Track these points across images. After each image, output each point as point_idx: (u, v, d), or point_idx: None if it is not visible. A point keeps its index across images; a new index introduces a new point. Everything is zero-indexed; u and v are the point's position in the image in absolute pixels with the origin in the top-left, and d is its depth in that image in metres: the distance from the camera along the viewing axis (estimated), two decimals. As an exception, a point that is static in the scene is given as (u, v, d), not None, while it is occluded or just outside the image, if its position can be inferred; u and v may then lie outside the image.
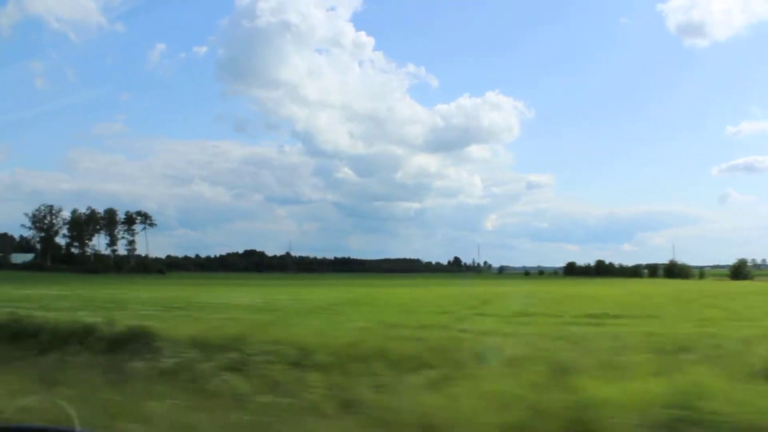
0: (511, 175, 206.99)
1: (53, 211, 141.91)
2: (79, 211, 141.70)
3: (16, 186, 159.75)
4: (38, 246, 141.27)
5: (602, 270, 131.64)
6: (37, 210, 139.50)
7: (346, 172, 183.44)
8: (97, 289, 39.73)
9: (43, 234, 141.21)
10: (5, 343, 10.41)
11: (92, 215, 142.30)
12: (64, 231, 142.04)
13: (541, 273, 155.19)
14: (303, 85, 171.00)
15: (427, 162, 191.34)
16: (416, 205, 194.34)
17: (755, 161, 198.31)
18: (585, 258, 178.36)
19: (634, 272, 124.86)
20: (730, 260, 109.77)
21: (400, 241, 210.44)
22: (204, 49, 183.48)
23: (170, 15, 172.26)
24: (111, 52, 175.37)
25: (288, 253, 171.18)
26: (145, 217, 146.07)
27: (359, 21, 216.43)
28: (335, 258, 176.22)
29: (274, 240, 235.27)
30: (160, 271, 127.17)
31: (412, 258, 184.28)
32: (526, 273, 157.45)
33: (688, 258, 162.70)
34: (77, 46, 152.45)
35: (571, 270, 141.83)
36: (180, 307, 23.23)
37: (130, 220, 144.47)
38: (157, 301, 27.66)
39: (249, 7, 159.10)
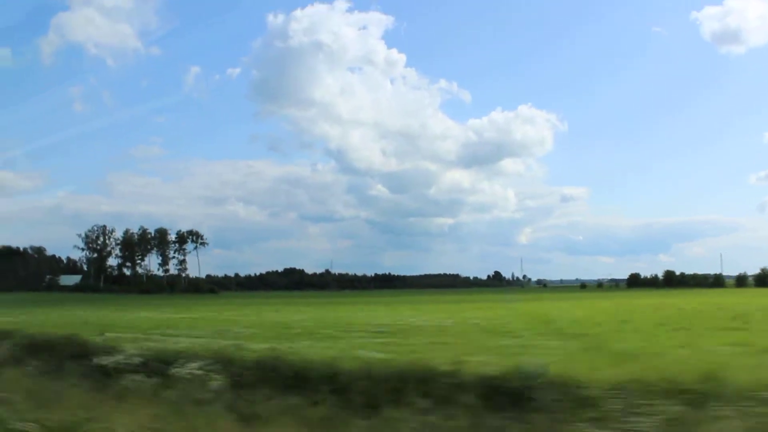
0: (544, 189, 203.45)
1: (106, 232, 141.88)
2: (130, 231, 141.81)
3: (57, 209, 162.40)
4: (86, 267, 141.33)
5: (672, 281, 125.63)
6: (90, 230, 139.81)
7: (379, 189, 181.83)
8: (219, 311, 36.44)
9: (95, 255, 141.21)
10: (275, 389, 8.02)
11: (143, 235, 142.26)
12: (116, 251, 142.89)
13: (599, 286, 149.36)
14: (336, 104, 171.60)
15: (461, 177, 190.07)
16: (450, 221, 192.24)
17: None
18: (620, 271, 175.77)
19: (715, 282, 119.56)
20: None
21: (434, 256, 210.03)
22: (237, 71, 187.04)
23: (204, 38, 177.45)
24: (147, 76, 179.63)
25: (328, 271, 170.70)
26: (197, 237, 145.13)
27: (391, 39, 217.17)
28: (375, 275, 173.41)
29: (307, 258, 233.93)
30: (212, 291, 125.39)
31: (451, 273, 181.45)
32: (583, 286, 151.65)
33: (729, 268, 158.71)
34: (114, 70, 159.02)
35: (635, 281, 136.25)
36: (376, 332, 20.35)
37: (181, 240, 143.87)
38: (330, 323, 24.06)
39: (281, 28, 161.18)
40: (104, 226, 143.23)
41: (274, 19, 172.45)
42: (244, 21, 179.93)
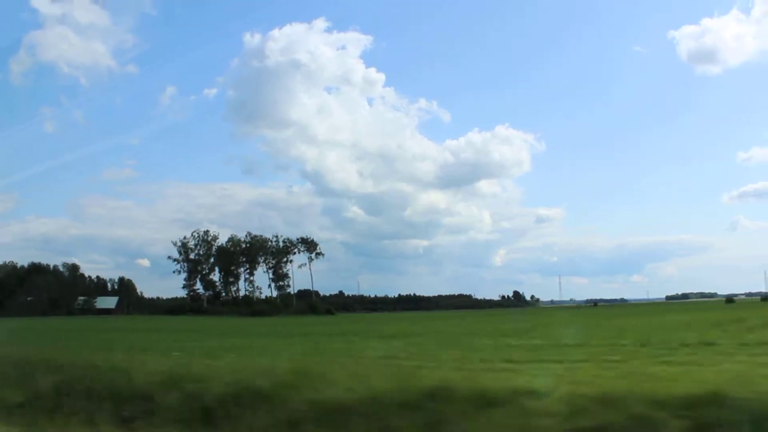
0: (520, 210, 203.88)
1: (208, 238, 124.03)
2: (236, 237, 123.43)
3: (25, 233, 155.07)
4: (187, 279, 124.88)
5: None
6: (184, 239, 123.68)
7: (354, 212, 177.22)
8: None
9: (189, 264, 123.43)
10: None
11: (236, 244, 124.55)
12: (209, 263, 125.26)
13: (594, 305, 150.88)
14: (312, 125, 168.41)
15: (437, 199, 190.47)
16: (425, 242, 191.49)
17: (767, 187, 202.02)
18: (594, 292, 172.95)
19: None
20: (744, 288, 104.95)
21: (409, 278, 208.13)
22: (214, 91, 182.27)
23: (180, 58, 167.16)
24: (121, 96, 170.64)
25: (341, 292, 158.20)
26: (310, 246, 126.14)
27: (369, 58, 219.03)
28: (399, 295, 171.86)
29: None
30: (329, 312, 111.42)
31: (465, 294, 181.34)
32: (595, 304, 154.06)
33: (699, 287, 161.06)
34: (87, 90, 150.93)
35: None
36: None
37: (285, 250, 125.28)
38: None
39: (258, 48, 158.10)
40: (207, 231, 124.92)
41: (251, 39, 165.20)
42: (220, 40, 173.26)
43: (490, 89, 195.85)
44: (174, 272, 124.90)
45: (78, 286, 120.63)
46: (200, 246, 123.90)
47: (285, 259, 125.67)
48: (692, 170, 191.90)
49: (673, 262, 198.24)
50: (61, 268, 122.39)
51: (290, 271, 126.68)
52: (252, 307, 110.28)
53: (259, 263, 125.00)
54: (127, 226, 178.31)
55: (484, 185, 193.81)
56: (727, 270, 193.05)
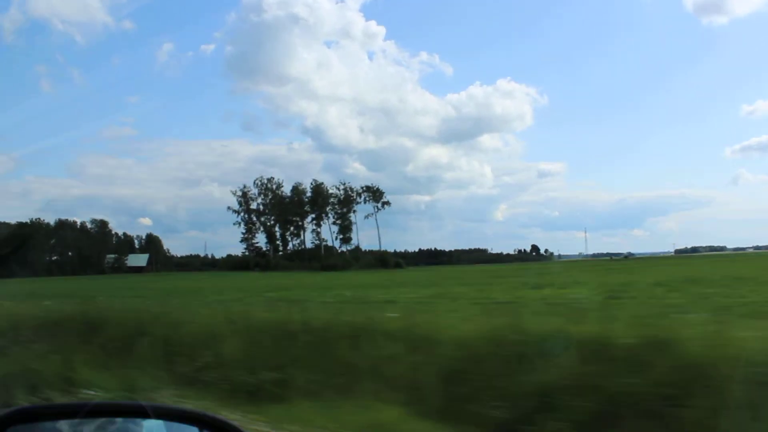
0: (521, 164, 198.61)
1: (272, 186, 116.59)
2: (301, 186, 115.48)
3: (26, 194, 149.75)
4: (244, 233, 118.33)
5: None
6: (244, 187, 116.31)
7: (356, 167, 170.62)
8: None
9: (249, 215, 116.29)
10: None
11: (300, 193, 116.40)
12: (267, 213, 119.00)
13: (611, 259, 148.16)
14: (312, 80, 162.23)
15: (438, 153, 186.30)
16: (427, 198, 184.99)
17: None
18: (595, 246, 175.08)
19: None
20: (751, 242, 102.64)
21: (413, 234, 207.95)
22: (212, 47, 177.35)
23: (177, 12, 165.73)
24: (118, 53, 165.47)
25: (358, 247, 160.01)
26: (376, 195, 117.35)
27: (369, 11, 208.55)
28: (420, 250, 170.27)
29: None
30: (398, 265, 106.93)
31: (481, 248, 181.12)
32: (626, 257, 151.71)
33: (702, 241, 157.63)
34: (83, 47, 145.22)
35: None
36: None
37: (346, 200, 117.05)
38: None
39: (255, 1, 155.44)
40: (271, 178, 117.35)
41: None
42: None
43: (492, 42, 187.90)
44: (234, 224, 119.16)
45: (107, 243, 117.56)
46: (264, 194, 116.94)
47: (350, 210, 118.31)
48: (696, 125, 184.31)
49: (674, 216, 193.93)
50: (89, 225, 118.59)
51: (354, 222, 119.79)
52: (322, 261, 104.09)
53: (325, 213, 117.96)
54: (128, 185, 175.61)
55: (486, 140, 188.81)
56: (732, 224, 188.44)
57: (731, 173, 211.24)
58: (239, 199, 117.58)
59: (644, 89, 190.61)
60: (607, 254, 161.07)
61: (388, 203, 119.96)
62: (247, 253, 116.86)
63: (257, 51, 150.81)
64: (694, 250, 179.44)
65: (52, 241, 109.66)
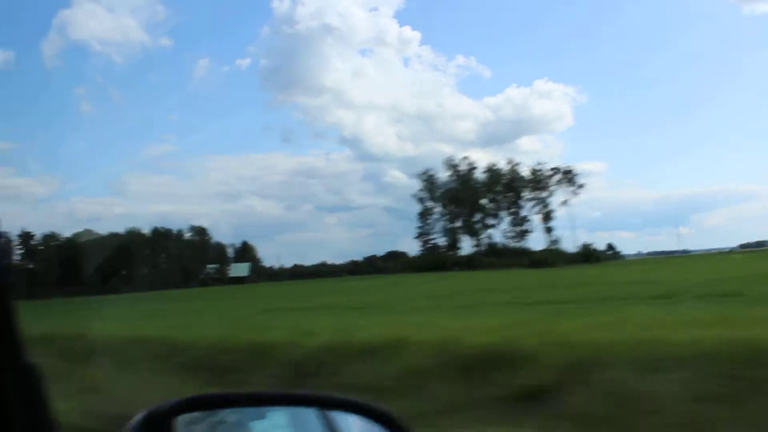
0: (561, 166, 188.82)
1: (465, 168, 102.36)
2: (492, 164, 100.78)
3: (72, 214, 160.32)
4: (418, 229, 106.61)
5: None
6: (427, 170, 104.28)
7: (395, 175, 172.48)
8: None
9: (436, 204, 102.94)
10: None
11: (496, 176, 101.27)
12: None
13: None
14: (348, 89, 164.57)
15: (478, 158, 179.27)
16: None
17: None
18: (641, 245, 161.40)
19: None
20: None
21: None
22: (247, 61, 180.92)
23: (211, 28, 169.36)
24: (155, 71, 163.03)
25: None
26: (570, 177, 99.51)
27: (403, 16, 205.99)
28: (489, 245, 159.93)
29: (324, 249, 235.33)
30: (598, 259, 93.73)
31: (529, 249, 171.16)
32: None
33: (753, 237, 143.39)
34: (122, 67, 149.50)
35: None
36: None
37: (541, 184, 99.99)
38: None
39: (288, 14, 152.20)
40: (465, 156, 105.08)
41: (280, 5, 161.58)
42: (250, 8, 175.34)
43: (528, 41, 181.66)
44: (421, 216, 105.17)
45: (208, 252, 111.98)
46: (457, 179, 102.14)
47: (550, 195, 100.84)
48: (738, 117, 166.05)
49: (720, 212, 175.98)
50: (187, 233, 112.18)
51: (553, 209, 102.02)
52: (530, 256, 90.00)
53: (522, 199, 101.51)
54: (171, 201, 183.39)
55: (526, 142, 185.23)
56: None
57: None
58: (425, 184, 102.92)
59: (681, 82, 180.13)
60: (661, 252, 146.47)
61: (582, 185, 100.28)
62: (423, 251, 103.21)
63: (292, 63, 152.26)
64: (760, 244, 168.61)
65: (147, 251, 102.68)
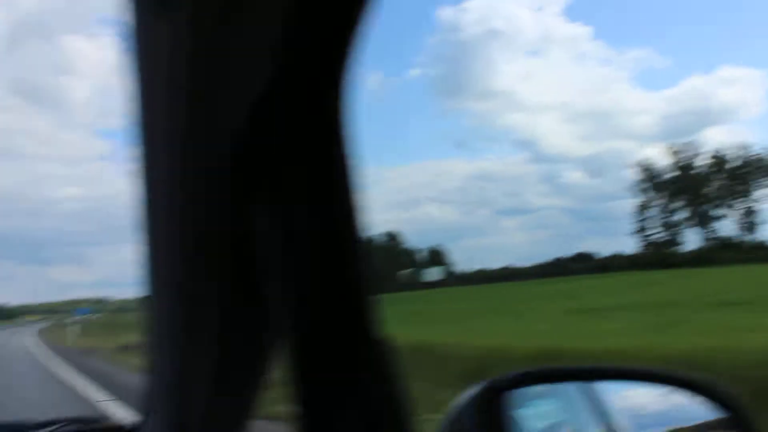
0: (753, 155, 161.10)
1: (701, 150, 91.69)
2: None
3: None
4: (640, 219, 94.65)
5: None
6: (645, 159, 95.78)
7: (572, 176, 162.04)
8: None
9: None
10: None
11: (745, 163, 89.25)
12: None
13: None
14: (518, 91, 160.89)
15: (660, 153, 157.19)
16: None
17: None
18: None
19: None
20: None
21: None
22: (416, 71, 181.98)
23: (381, 40, 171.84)
24: None
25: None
26: None
27: (572, 13, 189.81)
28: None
29: (502, 253, 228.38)
30: None
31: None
32: None
33: None
34: None
35: None
36: None
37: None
38: None
39: (453, 22, 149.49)
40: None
41: (445, 14, 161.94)
42: (416, 20, 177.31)
43: (706, 27, 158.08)
44: (640, 211, 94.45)
45: (401, 257, 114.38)
46: (679, 168, 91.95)
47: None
48: None
49: None
50: (378, 238, 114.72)
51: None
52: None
53: (751, 187, 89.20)
54: None
55: (711, 133, 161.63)
56: None
57: None
58: (645, 176, 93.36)
59: None
60: None
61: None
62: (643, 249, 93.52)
63: (459, 70, 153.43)
64: None
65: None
